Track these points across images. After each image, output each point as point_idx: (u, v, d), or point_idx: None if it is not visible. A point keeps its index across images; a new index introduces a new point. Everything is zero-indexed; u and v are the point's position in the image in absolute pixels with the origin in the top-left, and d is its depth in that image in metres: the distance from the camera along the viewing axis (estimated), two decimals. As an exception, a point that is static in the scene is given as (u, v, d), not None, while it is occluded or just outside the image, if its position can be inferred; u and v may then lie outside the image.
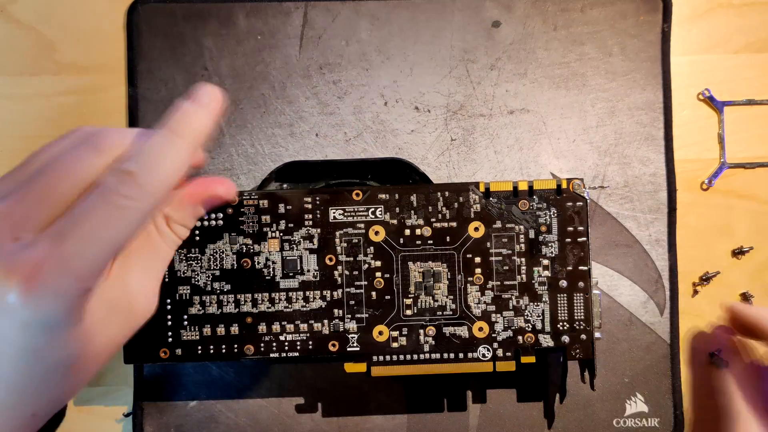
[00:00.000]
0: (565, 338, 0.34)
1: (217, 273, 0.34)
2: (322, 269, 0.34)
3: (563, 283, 0.34)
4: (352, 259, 0.34)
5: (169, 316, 0.34)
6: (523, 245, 0.34)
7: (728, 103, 0.40)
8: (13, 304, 0.19)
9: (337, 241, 0.34)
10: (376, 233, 0.34)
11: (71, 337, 0.21)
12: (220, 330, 0.34)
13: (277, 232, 0.34)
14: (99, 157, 0.22)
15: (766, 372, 0.28)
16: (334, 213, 0.34)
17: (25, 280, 0.19)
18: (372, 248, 0.34)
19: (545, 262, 0.34)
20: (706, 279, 0.39)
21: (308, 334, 0.34)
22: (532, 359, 0.34)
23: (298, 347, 0.34)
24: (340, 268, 0.34)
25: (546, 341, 0.34)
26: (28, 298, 0.19)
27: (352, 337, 0.34)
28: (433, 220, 0.34)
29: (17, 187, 0.21)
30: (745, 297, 0.40)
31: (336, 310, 0.34)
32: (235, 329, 0.34)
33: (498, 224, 0.34)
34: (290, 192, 0.35)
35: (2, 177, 0.22)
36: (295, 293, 0.34)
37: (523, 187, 0.34)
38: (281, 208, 0.34)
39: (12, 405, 0.20)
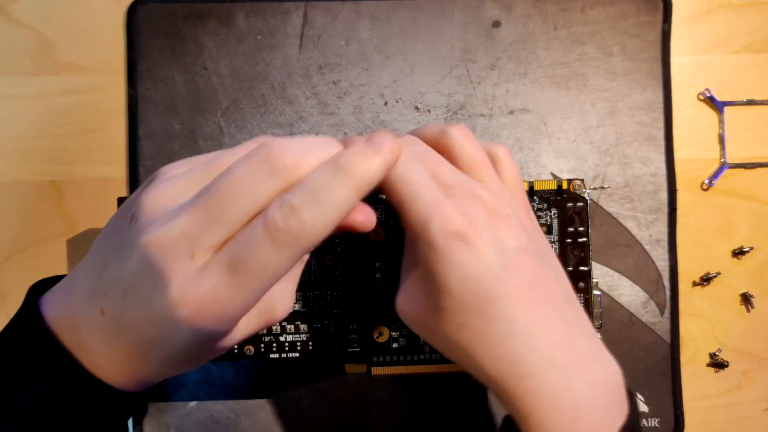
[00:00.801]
0: (566, 338, 0.34)
1: (217, 273, 0.34)
2: (322, 270, 0.34)
3: (563, 284, 0.34)
4: (352, 259, 0.34)
5: (169, 317, 0.34)
6: (523, 245, 0.34)
7: (728, 103, 0.40)
8: (181, 328, 0.22)
9: (338, 241, 0.34)
10: (377, 234, 0.34)
11: (220, 343, 0.24)
12: (221, 330, 0.34)
13: (278, 233, 0.34)
14: (272, 181, 0.22)
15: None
16: (334, 213, 0.34)
17: (195, 313, 0.22)
18: (372, 249, 0.34)
19: (545, 262, 0.34)
20: (706, 279, 0.39)
21: (308, 335, 0.34)
22: (532, 359, 0.34)
23: (299, 348, 0.34)
24: (340, 268, 0.34)
25: (546, 341, 0.34)
26: (194, 326, 0.22)
27: (353, 338, 0.34)
28: (433, 220, 0.34)
29: (197, 195, 0.22)
30: (746, 297, 0.40)
31: (336, 311, 0.34)
32: (235, 329, 0.34)
33: (498, 224, 0.34)
34: (290, 192, 0.34)
35: (188, 168, 0.24)
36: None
37: (523, 187, 0.34)
38: (281, 209, 0.34)
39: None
